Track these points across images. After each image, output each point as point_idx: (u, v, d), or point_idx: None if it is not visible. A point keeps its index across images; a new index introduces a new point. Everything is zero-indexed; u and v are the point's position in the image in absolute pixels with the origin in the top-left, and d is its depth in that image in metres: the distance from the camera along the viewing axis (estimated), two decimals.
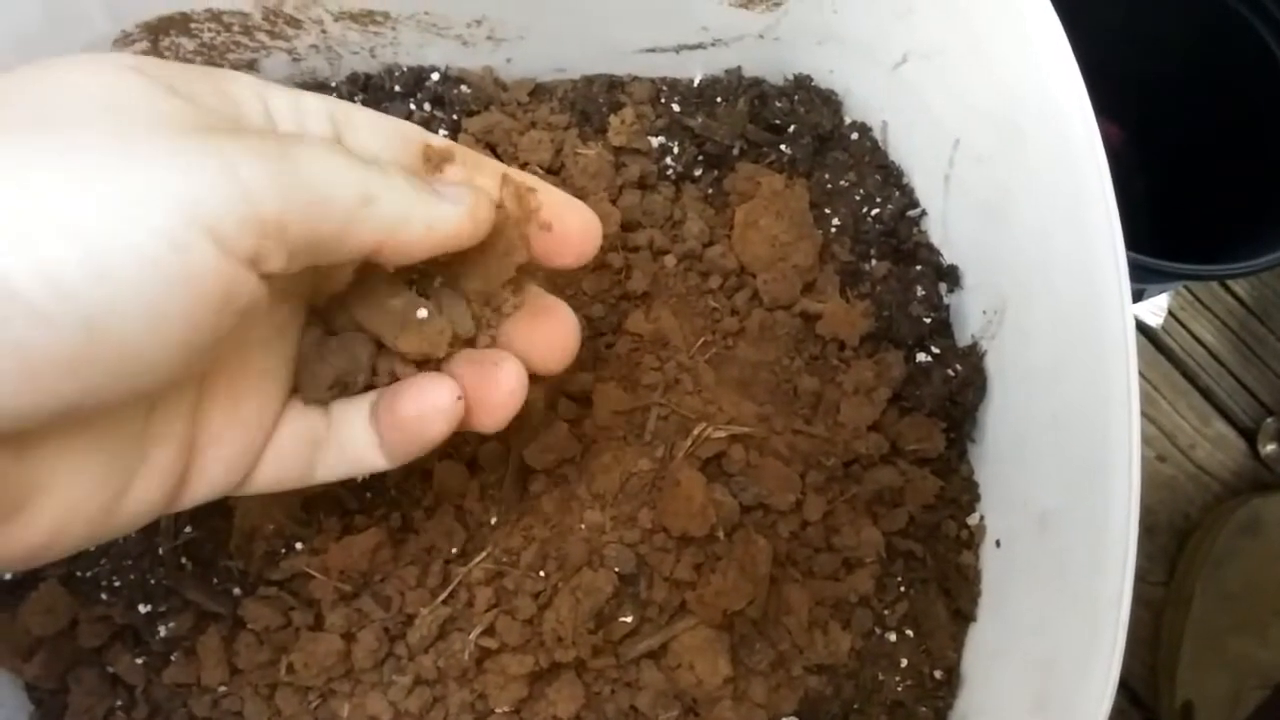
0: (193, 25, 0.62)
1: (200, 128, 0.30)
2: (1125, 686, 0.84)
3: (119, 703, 0.51)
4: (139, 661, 0.52)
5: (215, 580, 0.53)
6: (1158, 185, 0.90)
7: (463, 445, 0.54)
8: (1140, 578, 0.87)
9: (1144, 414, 0.93)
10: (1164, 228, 0.87)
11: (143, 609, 0.52)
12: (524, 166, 0.62)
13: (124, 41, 0.61)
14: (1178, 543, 0.89)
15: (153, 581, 0.53)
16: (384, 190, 0.32)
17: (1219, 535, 0.86)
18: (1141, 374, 0.94)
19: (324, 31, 0.63)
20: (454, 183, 0.38)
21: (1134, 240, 0.63)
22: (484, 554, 0.51)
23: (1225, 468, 0.92)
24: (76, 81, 0.30)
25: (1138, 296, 0.91)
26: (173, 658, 0.52)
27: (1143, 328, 0.95)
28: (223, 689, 0.51)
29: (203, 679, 0.51)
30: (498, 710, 0.49)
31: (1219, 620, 0.83)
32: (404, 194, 0.33)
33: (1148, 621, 0.86)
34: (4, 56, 0.55)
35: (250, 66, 0.64)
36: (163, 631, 0.52)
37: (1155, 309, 0.95)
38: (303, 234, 0.30)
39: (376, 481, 0.54)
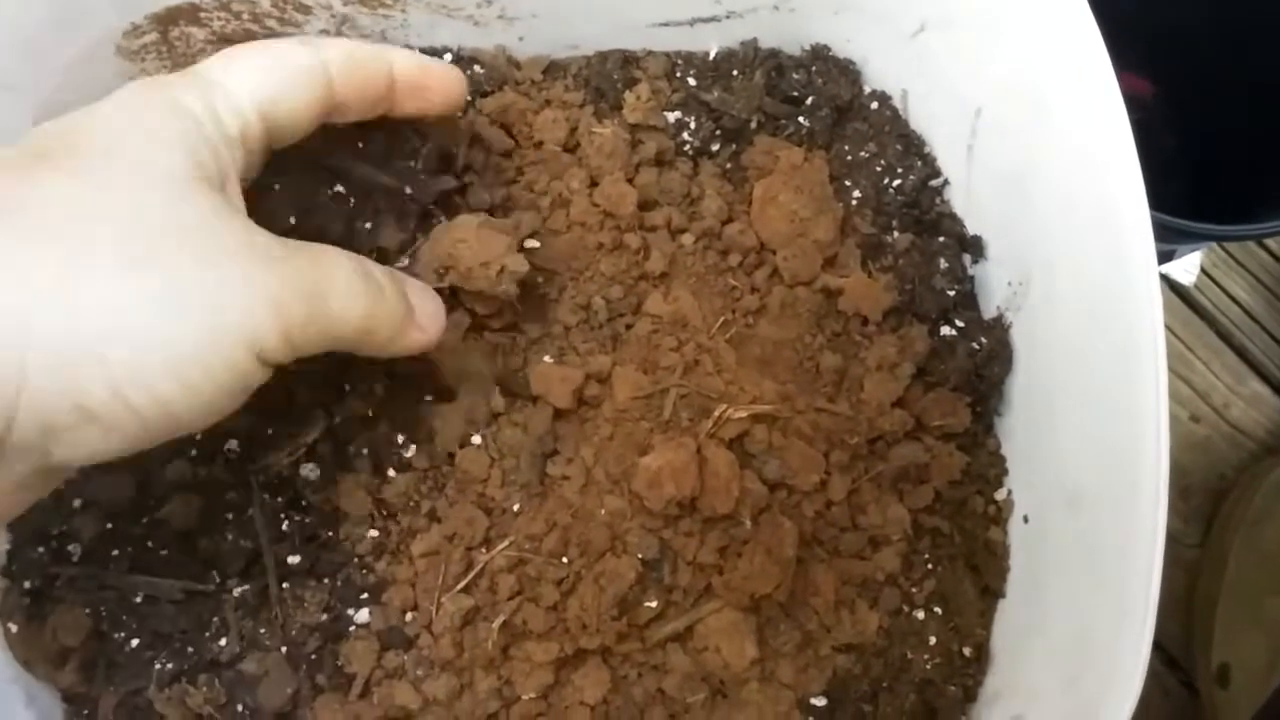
0: (202, 15, 0.62)
1: (254, 249, 0.37)
2: (1161, 649, 0.84)
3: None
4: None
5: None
6: (1189, 141, 0.88)
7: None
8: (1175, 539, 0.86)
9: (1177, 374, 0.91)
10: (1196, 184, 0.85)
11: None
12: (540, 145, 0.61)
13: (133, 34, 0.61)
14: (1213, 504, 0.88)
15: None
16: (381, 325, 0.41)
17: (1255, 495, 0.84)
18: (1174, 333, 0.92)
19: (333, 15, 0.63)
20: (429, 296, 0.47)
21: (1164, 199, 0.62)
22: (507, 541, 0.52)
23: (1261, 427, 0.91)
24: (166, 207, 0.36)
25: (1169, 255, 0.89)
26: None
27: (1175, 286, 0.93)
28: None
29: None
30: (524, 697, 0.50)
31: (1256, 581, 0.82)
32: (393, 325, 0.42)
33: (1183, 583, 0.86)
34: (9, 50, 0.55)
35: None
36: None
37: (1188, 267, 0.94)
38: (308, 345, 0.38)
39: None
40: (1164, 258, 0.88)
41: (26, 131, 0.46)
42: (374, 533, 0.53)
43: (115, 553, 0.53)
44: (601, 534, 0.51)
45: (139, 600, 0.53)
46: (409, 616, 0.51)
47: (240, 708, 0.52)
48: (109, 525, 0.54)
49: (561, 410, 0.54)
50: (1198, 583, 0.86)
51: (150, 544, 0.53)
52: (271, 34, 0.63)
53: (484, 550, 0.52)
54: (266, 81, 0.42)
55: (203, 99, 0.41)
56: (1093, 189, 0.49)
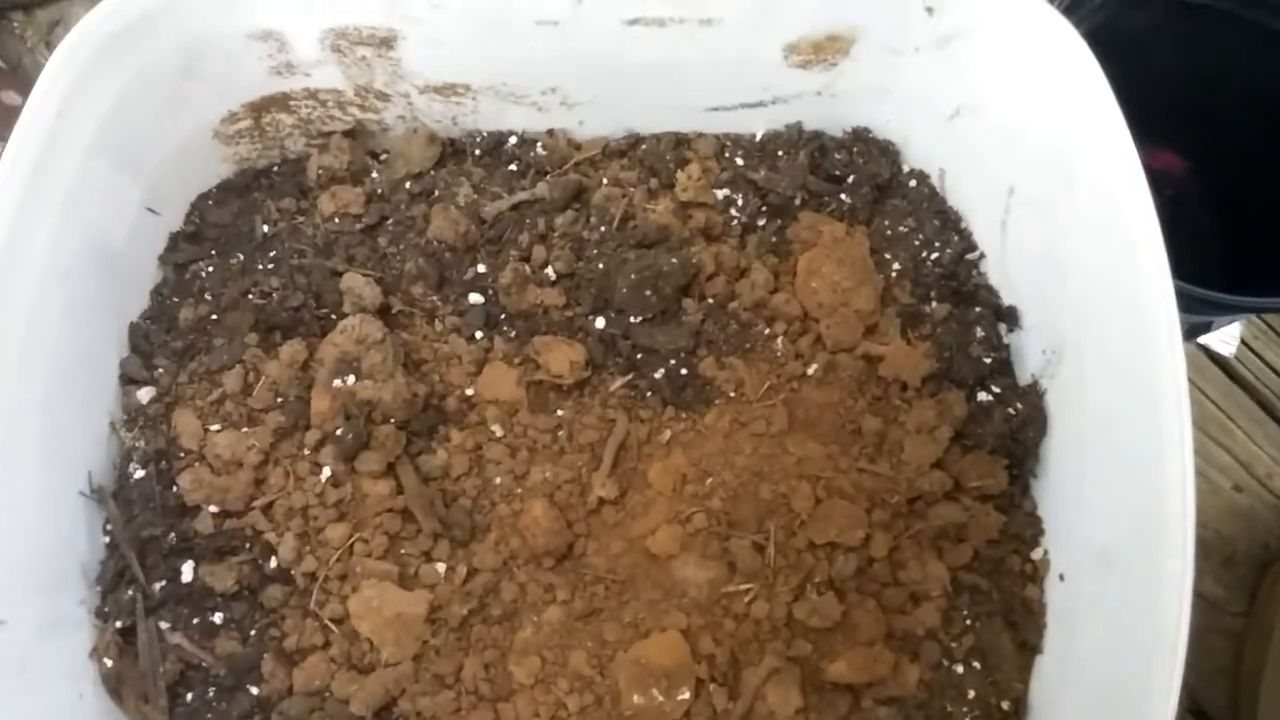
0: (291, 103, 0.68)
1: None
2: (1206, 717, 0.84)
3: None
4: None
5: None
6: (1224, 215, 0.90)
7: None
8: (1219, 608, 0.87)
9: (1219, 443, 0.92)
10: (1232, 257, 0.87)
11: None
12: (599, 219, 0.66)
13: (230, 120, 0.67)
14: (1256, 573, 0.88)
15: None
16: None
17: None
18: (1215, 403, 0.94)
19: (410, 104, 0.68)
20: None
21: (1200, 272, 0.64)
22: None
23: None
24: None
25: (1207, 327, 0.91)
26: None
27: (1215, 357, 0.95)
28: None
29: None
30: None
31: None
32: None
33: (1227, 651, 0.86)
34: (129, 135, 0.61)
35: (343, 137, 0.70)
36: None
37: (1227, 338, 0.95)
38: None
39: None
40: (1201, 329, 0.89)
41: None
42: None
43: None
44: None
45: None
46: None
47: None
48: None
49: None
50: (1242, 652, 0.86)
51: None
52: (353, 120, 0.69)
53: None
54: None
55: None
56: (1118, 263, 0.52)
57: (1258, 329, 0.96)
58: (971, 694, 0.56)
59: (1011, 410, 0.60)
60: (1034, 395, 0.60)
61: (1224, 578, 0.87)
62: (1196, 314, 0.73)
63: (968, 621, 0.57)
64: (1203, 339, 0.93)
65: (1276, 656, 0.83)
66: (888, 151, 0.67)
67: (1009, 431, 0.59)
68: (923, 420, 0.59)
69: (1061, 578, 0.57)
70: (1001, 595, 0.58)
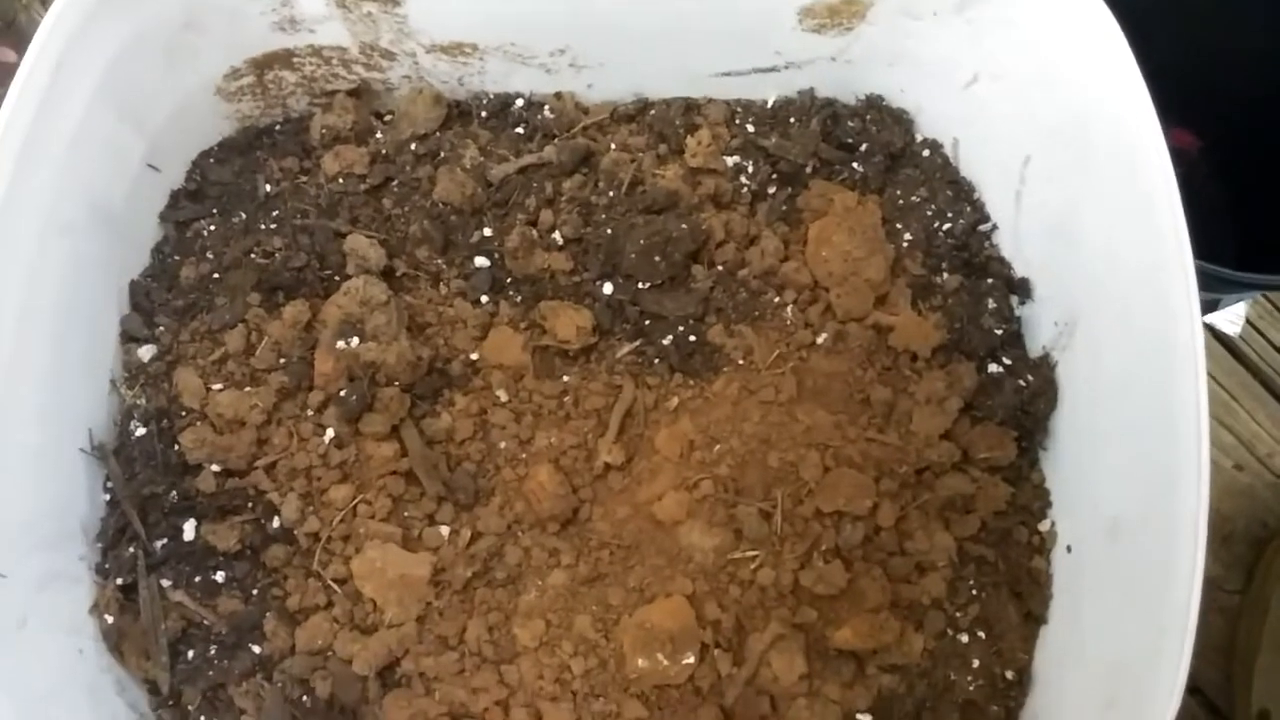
0: (295, 60, 0.67)
1: None
2: (1201, 694, 0.84)
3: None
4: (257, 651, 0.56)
5: None
6: (1234, 194, 0.89)
7: None
8: (1217, 585, 0.87)
9: (1221, 422, 0.92)
10: (1241, 236, 0.87)
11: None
12: (607, 184, 0.65)
13: (233, 76, 0.66)
14: (1254, 551, 0.89)
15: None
16: None
17: None
18: (1219, 382, 0.93)
19: (416, 63, 0.67)
20: None
21: (1210, 249, 0.64)
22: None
23: None
24: None
25: (1214, 305, 0.90)
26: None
27: (1220, 336, 0.95)
28: None
29: None
30: None
31: None
32: None
33: (1223, 629, 0.86)
34: (131, 86, 0.60)
35: (347, 96, 0.68)
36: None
37: (1233, 317, 0.95)
38: None
39: None
40: (1209, 307, 0.89)
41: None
42: None
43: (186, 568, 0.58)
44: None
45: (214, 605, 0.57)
46: None
47: (307, 700, 0.56)
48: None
49: None
50: (1238, 629, 0.86)
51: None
52: (358, 79, 0.68)
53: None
54: None
55: None
56: (1138, 235, 0.52)
57: (1263, 309, 0.96)
58: (976, 663, 0.56)
59: (1022, 382, 0.59)
60: (1045, 367, 0.60)
61: (1222, 555, 0.88)
62: (1205, 292, 0.73)
63: (973, 591, 0.57)
64: (1208, 318, 0.93)
65: (1272, 634, 0.83)
66: (901, 120, 0.66)
67: (1019, 403, 0.59)
68: (932, 391, 0.59)
69: (1069, 549, 0.57)
70: (1008, 566, 0.57)
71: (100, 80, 0.58)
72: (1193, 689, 0.89)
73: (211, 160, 0.68)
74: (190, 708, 0.57)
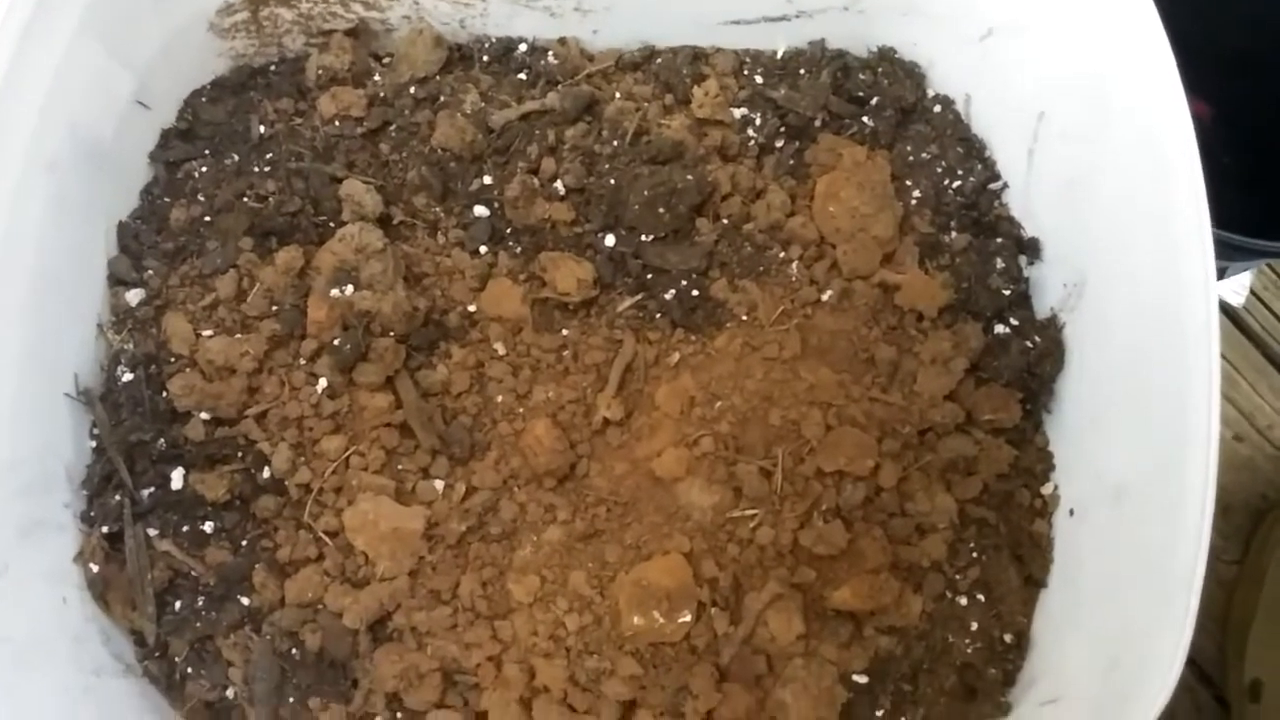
0: None
1: None
2: (1194, 664, 0.84)
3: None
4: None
5: None
6: (1248, 163, 0.88)
7: None
8: (1215, 556, 0.86)
9: (1223, 394, 0.91)
10: (1250, 207, 0.85)
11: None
12: (611, 133, 0.63)
13: (226, 11, 0.64)
14: (1252, 522, 0.88)
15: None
16: None
17: None
18: (1221, 354, 0.92)
19: (416, 3, 0.65)
20: None
21: (1219, 217, 0.63)
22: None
23: None
24: None
25: (1220, 275, 0.89)
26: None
27: (1224, 307, 0.94)
28: None
29: None
30: None
31: None
32: None
33: (1219, 600, 0.86)
34: (116, 21, 0.58)
35: (345, 36, 0.66)
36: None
37: (1238, 288, 0.94)
38: None
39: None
40: (1215, 276, 0.88)
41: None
42: None
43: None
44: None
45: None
46: None
47: (297, 653, 0.55)
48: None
49: None
50: (1234, 599, 0.86)
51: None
52: (356, 19, 0.66)
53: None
54: None
55: None
56: (1154, 197, 0.51)
57: (1268, 280, 0.95)
58: (974, 626, 0.55)
59: (1029, 344, 0.58)
60: (1052, 329, 0.58)
61: (1220, 526, 0.87)
62: (1217, 259, 0.72)
63: (974, 554, 0.56)
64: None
65: (1267, 604, 0.83)
66: (913, 74, 0.65)
67: (1025, 365, 0.58)
68: (938, 351, 0.58)
69: (1071, 513, 0.56)
70: (1009, 529, 0.57)
71: (86, 10, 0.56)
72: (1187, 659, 0.89)
73: (204, 99, 0.66)
74: (177, 659, 0.56)
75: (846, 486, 0.56)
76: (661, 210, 0.59)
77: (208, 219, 0.62)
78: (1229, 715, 0.84)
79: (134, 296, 0.60)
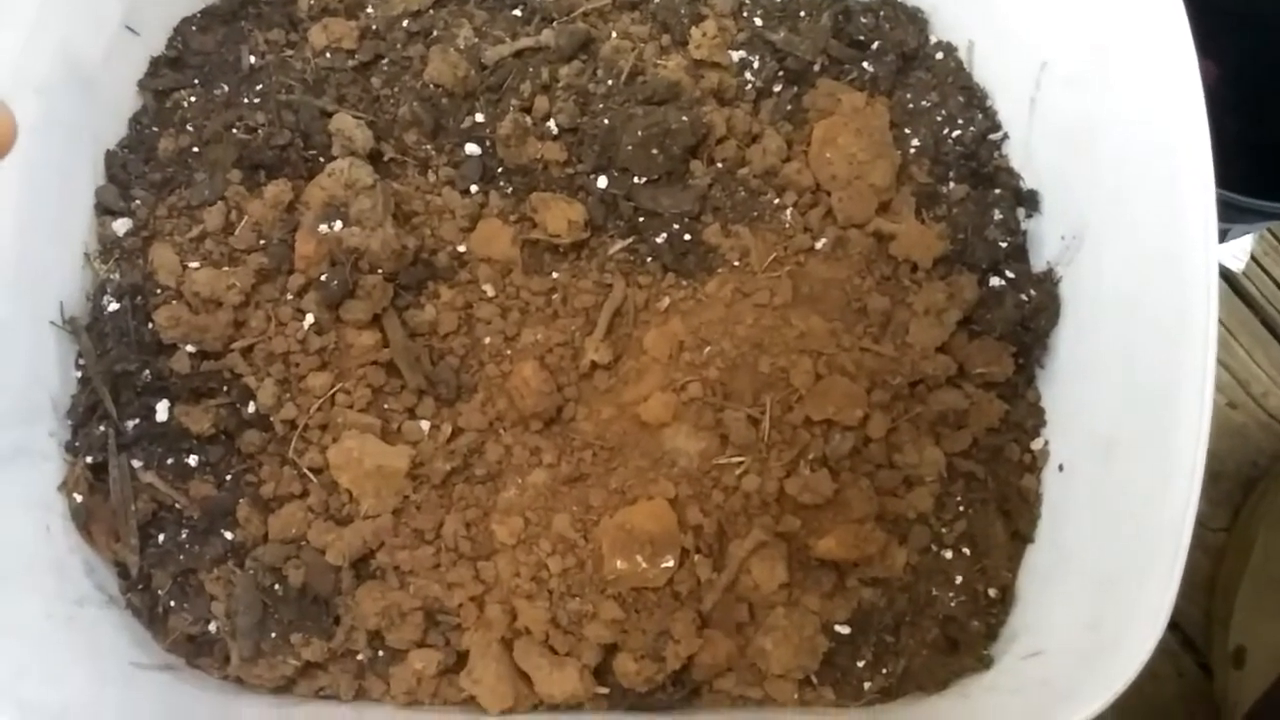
0: None
1: None
2: (1178, 630, 0.84)
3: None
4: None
5: None
6: (1252, 124, 0.87)
7: None
8: (1201, 523, 0.86)
9: (1218, 360, 0.90)
10: (1256, 170, 0.84)
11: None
12: (606, 72, 0.62)
13: None
14: (1242, 490, 0.88)
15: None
16: None
17: None
18: (1219, 319, 0.92)
19: None
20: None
21: (1226, 178, 0.62)
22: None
23: None
24: None
25: (1221, 238, 0.88)
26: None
27: (1223, 272, 0.93)
28: None
29: None
30: None
31: (1279, 568, 0.82)
32: None
33: (1206, 567, 0.86)
34: None
35: None
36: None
37: (1237, 253, 0.93)
38: None
39: None
40: (1218, 239, 0.87)
41: None
42: None
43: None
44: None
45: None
46: None
47: (280, 589, 0.55)
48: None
49: None
50: (1221, 566, 0.86)
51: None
52: None
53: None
54: None
55: None
56: (1157, 149, 0.50)
57: (1269, 244, 0.94)
58: (959, 580, 0.55)
59: (1024, 296, 0.58)
60: (1048, 283, 0.58)
61: (1210, 493, 0.87)
62: (1220, 220, 0.71)
63: (961, 508, 0.56)
64: None
65: (1254, 572, 0.83)
66: (916, 19, 0.64)
67: (1019, 318, 0.57)
68: (931, 302, 0.57)
69: (1060, 468, 0.56)
70: (997, 484, 0.56)
71: None
72: (1171, 624, 0.88)
73: (194, 27, 0.64)
74: (160, 592, 0.56)
75: (834, 436, 0.55)
76: (655, 152, 0.59)
77: (196, 150, 0.61)
78: (1213, 682, 0.84)
79: (121, 226, 0.59)
